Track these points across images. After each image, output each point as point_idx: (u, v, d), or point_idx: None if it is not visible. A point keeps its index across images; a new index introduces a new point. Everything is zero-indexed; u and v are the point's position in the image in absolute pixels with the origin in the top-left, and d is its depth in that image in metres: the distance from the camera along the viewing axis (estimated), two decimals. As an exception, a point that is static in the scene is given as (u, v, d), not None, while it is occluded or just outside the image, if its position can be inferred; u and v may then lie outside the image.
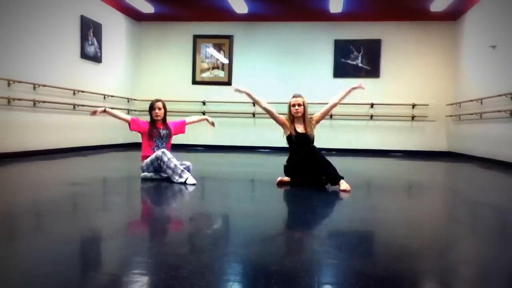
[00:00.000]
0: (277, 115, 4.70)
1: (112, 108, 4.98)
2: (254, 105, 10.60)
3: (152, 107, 4.82)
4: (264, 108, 4.73)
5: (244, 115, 10.66)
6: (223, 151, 9.53)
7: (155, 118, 4.79)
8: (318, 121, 4.71)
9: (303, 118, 4.61)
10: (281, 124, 4.68)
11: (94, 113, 4.78)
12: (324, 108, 4.76)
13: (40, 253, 2.09)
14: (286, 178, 4.55)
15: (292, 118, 4.62)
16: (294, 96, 4.68)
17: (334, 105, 4.76)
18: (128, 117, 4.89)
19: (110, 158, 7.71)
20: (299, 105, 4.59)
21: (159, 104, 4.81)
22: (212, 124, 5.16)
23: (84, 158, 7.24)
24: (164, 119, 4.87)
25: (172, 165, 4.41)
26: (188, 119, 5.17)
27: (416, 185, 5.25)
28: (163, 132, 4.78)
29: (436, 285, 1.83)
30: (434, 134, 10.36)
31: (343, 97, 4.76)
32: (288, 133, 4.60)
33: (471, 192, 4.73)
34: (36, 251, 2.12)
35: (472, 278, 1.95)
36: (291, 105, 4.64)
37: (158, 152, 4.50)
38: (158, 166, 4.53)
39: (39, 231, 2.56)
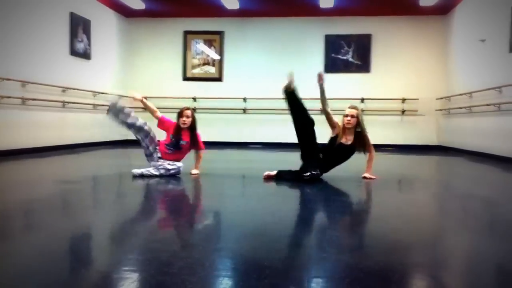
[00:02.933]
0: (332, 117, 4.72)
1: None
2: (244, 101, 10.60)
3: (180, 114, 4.80)
4: (326, 110, 4.73)
5: (235, 111, 10.65)
6: (214, 147, 9.51)
7: (182, 125, 4.75)
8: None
9: (355, 130, 4.62)
10: (332, 126, 4.73)
11: (133, 97, 4.83)
12: (331, 116, 4.77)
13: (31, 251, 2.07)
14: (273, 173, 4.57)
15: (344, 127, 4.62)
16: (349, 107, 4.70)
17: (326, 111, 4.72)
18: (159, 115, 4.90)
19: (101, 155, 7.67)
20: (352, 116, 4.58)
21: (188, 113, 4.79)
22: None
23: (74, 155, 7.19)
24: (191, 128, 4.81)
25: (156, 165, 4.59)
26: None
27: (407, 179, 5.29)
28: (182, 142, 4.75)
29: (426, 277, 1.85)
30: (424, 128, 10.42)
31: (325, 99, 4.72)
32: (334, 135, 4.66)
33: (461, 186, 4.77)
34: (27, 249, 2.11)
35: (463, 271, 1.97)
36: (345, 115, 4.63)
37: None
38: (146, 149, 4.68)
39: (30, 229, 2.54)
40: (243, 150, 9.20)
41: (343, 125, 4.62)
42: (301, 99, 4.55)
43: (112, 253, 2.13)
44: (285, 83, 4.48)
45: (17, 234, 2.42)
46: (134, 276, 1.75)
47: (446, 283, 1.76)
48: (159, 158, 4.70)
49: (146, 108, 4.93)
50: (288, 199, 3.78)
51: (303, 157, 4.58)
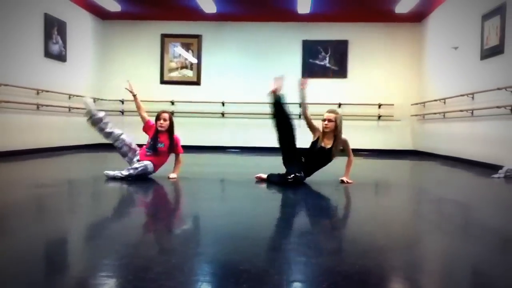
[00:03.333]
0: (312, 122, 4.78)
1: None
2: (222, 105, 10.58)
3: (158, 117, 4.80)
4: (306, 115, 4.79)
5: (213, 115, 10.62)
6: (192, 151, 9.46)
7: (159, 128, 4.75)
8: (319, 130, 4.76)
9: (334, 134, 4.68)
10: (313, 130, 4.79)
11: (129, 89, 4.99)
12: (311, 120, 4.82)
13: (5, 256, 2.02)
14: (264, 176, 4.65)
15: (323, 131, 4.70)
16: (327, 111, 4.79)
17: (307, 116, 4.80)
18: (146, 118, 4.91)
19: (76, 159, 7.54)
20: (329, 120, 4.66)
21: (165, 115, 4.79)
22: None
23: (49, 159, 7.05)
24: (169, 131, 4.80)
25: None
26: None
27: (382, 183, 5.36)
28: (159, 145, 4.74)
29: (402, 280, 1.87)
30: (399, 133, 10.60)
31: (306, 104, 4.77)
32: (315, 139, 4.74)
33: (434, 190, 4.86)
34: (1, 254, 2.06)
35: (437, 273, 2.01)
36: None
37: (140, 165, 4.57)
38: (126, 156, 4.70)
39: (4, 234, 2.47)
40: (222, 154, 9.18)
41: (323, 129, 4.65)
42: (287, 104, 4.60)
43: (87, 258, 2.09)
44: (272, 87, 4.53)
45: (-12, 240, 2.36)
46: (111, 282, 1.72)
47: (422, 285, 1.79)
48: (138, 161, 4.66)
49: (137, 107, 5.01)
50: (266, 203, 3.79)
51: (285, 161, 4.62)
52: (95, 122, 4.61)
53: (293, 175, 4.35)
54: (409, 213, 3.49)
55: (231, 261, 2.00)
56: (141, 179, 4.56)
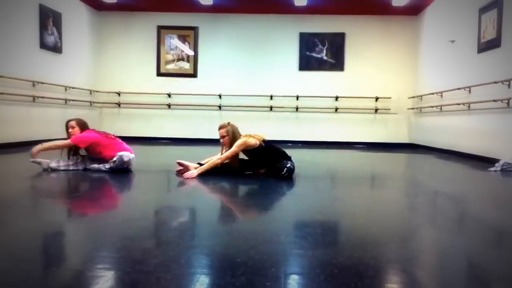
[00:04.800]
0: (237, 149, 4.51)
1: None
2: (219, 97, 10.57)
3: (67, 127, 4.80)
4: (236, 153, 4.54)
5: (210, 107, 10.60)
6: (188, 144, 9.46)
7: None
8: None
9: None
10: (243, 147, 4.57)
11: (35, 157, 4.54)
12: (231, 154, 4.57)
13: (0, 249, 2.02)
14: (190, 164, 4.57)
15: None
16: (218, 129, 4.66)
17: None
18: (68, 140, 4.66)
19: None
20: (222, 136, 4.58)
21: (72, 123, 4.77)
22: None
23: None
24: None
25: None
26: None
27: (378, 176, 5.38)
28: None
29: (398, 272, 1.89)
30: (396, 126, 10.62)
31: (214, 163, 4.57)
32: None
33: (430, 183, 4.88)
34: (-5, 247, 2.05)
35: (432, 265, 2.02)
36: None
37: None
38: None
39: (-2, 227, 2.47)
40: (217, 146, 9.15)
41: (222, 147, 4.65)
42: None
43: (84, 250, 2.09)
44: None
45: (-15, 232, 2.35)
46: (109, 274, 1.72)
47: (418, 277, 1.80)
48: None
49: (54, 148, 4.72)
50: (261, 196, 3.79)
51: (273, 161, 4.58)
52: (55, 169, 4.58)
53: (286, 168, 4.36)
54: (405, 206, 3.51)
55: (228, 253, 2.01)
56: (125, 170, 4.59)
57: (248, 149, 4.52)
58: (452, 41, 8.06)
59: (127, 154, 4.57)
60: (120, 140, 4.82)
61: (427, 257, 2.15)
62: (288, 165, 4.41)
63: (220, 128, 4.63)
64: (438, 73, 8.92)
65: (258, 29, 10.65)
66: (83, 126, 4.78)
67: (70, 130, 4.73)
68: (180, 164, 4.58)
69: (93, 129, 4.82)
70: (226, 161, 4.52)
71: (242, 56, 10.69)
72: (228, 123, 4.65)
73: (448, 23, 8.40)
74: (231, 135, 4.55)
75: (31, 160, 4.58)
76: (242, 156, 4.68)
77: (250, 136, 4.55)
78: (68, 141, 4.64)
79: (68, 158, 4.76)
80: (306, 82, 10.55)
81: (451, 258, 2.08)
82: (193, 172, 4.38)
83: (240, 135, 4.58)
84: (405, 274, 1.84)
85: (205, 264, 1.91)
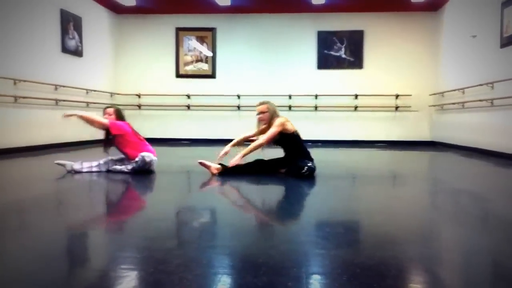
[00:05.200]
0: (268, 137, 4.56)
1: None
2: (238, 98, 10.59)
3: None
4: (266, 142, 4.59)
5: (229, 108, 10.64)
6: (207, 145, 9.51)
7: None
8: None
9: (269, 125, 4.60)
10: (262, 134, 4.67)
11: (67, 116, 4.63)
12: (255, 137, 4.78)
13: (27, 250, 2.06)
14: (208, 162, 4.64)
15: (262, 128, 4.71)
16: (257, 104, 4.76)
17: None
18: (106, 120, 4.71)
19: (93, 153, 7.62)
20: (261, 112, 4.64)
21: (109, 110, 4.86)
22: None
23: (66, 154, 7.15)
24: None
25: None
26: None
27: (400, 175, 5.32)
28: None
29: (421, 272, 1.86)
30: (417, 124, 10.48)
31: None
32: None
33: (453, 181, 4.80)
34: (22, 249, 2.10)
35: (456, 264, 2.00)
36: None
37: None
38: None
39: (24, 229, 2.53)
40: (237, 146, 9.18)
41: (258, 123, 4.73)
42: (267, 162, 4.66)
43: (108, 251, 2.13)
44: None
45: (10, 234, 2.41)
46: (132, 274, 1.75)
47: (442, 277, 1.78)
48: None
49: (90, 122, 4.74)
50: (281, 196, 3.79)
51: (294, 157, 4.59)
52: (79, 171, 4.65)
53: (307, 167, 4.35)
54: (427, 204, 3.46)
55: (249, 253, 2.01)
56: (147, 172, 4.64)
57: (283, 133, 4.52)
58: (474, 36, 7.92)
59: (149, 155, 4.62)
60: (146, 142, 4.88)
61: (451, 257, 2.12)
62: (309, 164, 4.41)
63: (260, 104, 4.68)
64: (459, 69, 8.77)
65: (275, 29, 10.64)
66: (119, 116, 4.85)
67: (105, 116, 4.78)
68: (202, 164, 4.62)
69: (128, 123, 4.87)
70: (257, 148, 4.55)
71: (260, 56, 10.69)
72: (268, 101, 4.72)
73: (469, 18, 8.26)
74: (271, 112, 4.58)
75: (55, 162, 4.67)
76: (259, 156, 4.69)
77: (287, 120, 4.57)
78: (106, 120, 4.69)
79: (104, 148, 4.81)
80: (324, 80, 10.49)
81: (475, 257, 2.05)
82: (236, 157, 4.50)
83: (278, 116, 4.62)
84: (428, 274, 1.81)
85: (226, 264, 1.92)
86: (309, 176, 4.35)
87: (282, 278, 1.69)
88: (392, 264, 1.88)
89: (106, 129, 4.71)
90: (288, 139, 4.56)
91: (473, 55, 8.03)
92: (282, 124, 4.50)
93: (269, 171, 4.64)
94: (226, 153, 4.63)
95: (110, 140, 4.77)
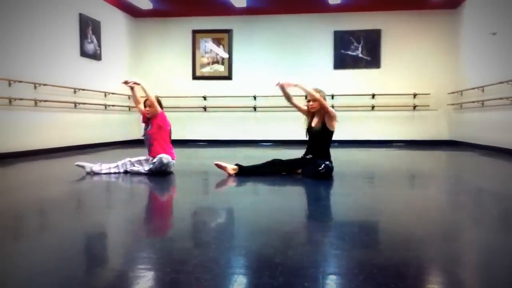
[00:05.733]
0: (301, 106, 4.79)
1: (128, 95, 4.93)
2: (254, 99, 10.60)
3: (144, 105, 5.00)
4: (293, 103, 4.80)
5: (245, 109, 10.65)
6: (224, 146, 9.54)
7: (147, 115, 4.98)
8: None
9: (322, 113, 4.60)
10: (303, 112, 4.81)
11: (126, 82, 5.01)
12: (298, 106, 4.85)
13: (46, 250, 2.10)
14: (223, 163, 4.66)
15: (310, 112, 4.73)
16: None
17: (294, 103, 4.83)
18: (157, 107, 4.87)
19: (111, 155, 7.72)
20: (313, 100, 4.60)
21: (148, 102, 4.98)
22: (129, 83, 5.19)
23: (86, 156, 7.25)
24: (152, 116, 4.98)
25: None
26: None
27: (419, 174, 5.25)
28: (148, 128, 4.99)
29: (441, 273, 1.84)
30: (436, 123, 10.34)
31: (288, 95, 4.82)
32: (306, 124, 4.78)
33: (473, 180, 4.73)
34: (42, 248, 2.13)
35: (477, 266, 1.96)
36: None
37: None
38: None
39: (44, 229, 2.57)
40: (253, 147, 9.21)
41: (308, 110, 4.69)
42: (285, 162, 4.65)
43: (126, 251, 2.15)
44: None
45: (31, 234, 2.45)
46: (149, 274, 1.76)
47: (462, 278, 1.75)
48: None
49: (134, 98, 5.07)
50: (298, 196, 3.78)
51: (316, 155, 4.59)
52: (98, 173, 4.70)
53: (324, 164, 4.32)
54: (447, 204, 3.41)
55: (266, 254, 2.01)
56: (165, 173, 4.67)
57: (325, 126, 4.53)
58: (494, 34, 7.78)
59: (167, 157, 4.66)
60: (172, 146, 4.95)
61: (471, 257, 2.08)
62: (326, 163, 4.38)
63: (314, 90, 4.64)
64: (479, 67, 8.62)
65: (291, 29, 10.62)
66: (160, 104, 4.97)
67: (147, 109, 4.88)
68: (218, 166, 4.63)
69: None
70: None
71: (276, 56, 10.69)
72: (321, 90, 4.72)
73: (489, 15, 8.12)
74: (323, 101, 4.56)
75: (76, 164, 4.74)
76: (275, 156, 4.68)
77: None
78: (157, 107, 4.82)
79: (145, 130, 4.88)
80: (341, 80, 10.43)
81: (497, 258, 2.00)
82: (291, 80, 4.66)
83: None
84: (449, 275, 1.78)
85: (243, 264, 1.92)
86: (326, 175, 4.31)
87: (299, 279, 1.68)
88: (412, 265, 1.85)
89: (150, 114, 4.82)
90: (324, 134, 4.58)
91: (493, 52, 7.89)
92: (335, 117, 4.55)
93: (285, 171, 4.63)
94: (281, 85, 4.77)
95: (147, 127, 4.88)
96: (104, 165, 4.78)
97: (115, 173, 4.76)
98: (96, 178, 4.50)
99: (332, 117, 4.51)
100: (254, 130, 10.69)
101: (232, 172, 4.55)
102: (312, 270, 1.78)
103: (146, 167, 4.68)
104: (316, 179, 4.27)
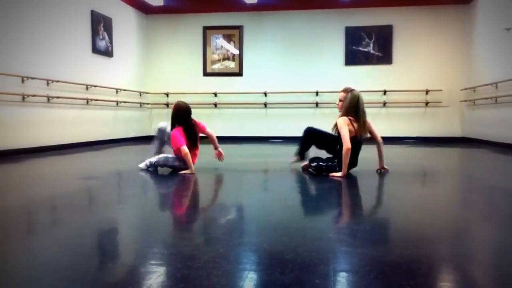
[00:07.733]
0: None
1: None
2: (265, 95, 10.59)
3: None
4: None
5: (255, 105, 10.65)
6: (234, 142, 9.54)
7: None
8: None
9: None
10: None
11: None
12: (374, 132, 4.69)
13: (58, 246, 2.12)
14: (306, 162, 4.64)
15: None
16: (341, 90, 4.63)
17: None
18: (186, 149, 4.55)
19: (123, 151, 7.77)
20: (340, 100, 4.54)
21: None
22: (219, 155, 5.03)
23: (98, 152, 7.30)
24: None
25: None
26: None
27: (431, 172, 5.21)
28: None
29: (452, 270, 1.82)
30: (448, 119, 10.24)
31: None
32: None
33: (486, 178, 4.67)
34: (54, 244, 2.16)
35: (488, 264, 1.94)
36: None
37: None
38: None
39: (56, 225, 2.60)
40: (263, 144, 9.20)
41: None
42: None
43: (137, 247, 2.16)
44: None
45: (43, 229, 2.48)
46: (161, 270, 1.77)
47: (474, 276, 1.73)
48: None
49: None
50: (309, 193, 3.77)
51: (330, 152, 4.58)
52: (156, 166, 4.68)
53: (316, 164, 4.37)
54: (458, 202, 3.38)
55: (276, 250, 2.01)
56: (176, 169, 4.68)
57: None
58: (508, 29, 7.67)
59: (169, 156, 4.69)
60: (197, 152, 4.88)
61: (484, 255, 2.06)
62: (320, 163, 4.35)
63: (343, 91, 4.56)
64: (492, 63, 8.52)
65: (302, 26, 10.58)
66: (177, 117, 4.93)
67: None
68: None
69: (182, 128, 4.79)
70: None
71: (287, 53, 10.66)
72: (353, 90, 4.49)
73: (503, 10, 8.00)
74: (347, 103, 4.40)
75: (139, 166, 4.75)
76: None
77: (347, 123, 4.34)
78: (186, 149, 4.54)
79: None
80: (352, 76, 10.37)
81: (510, 256, 1.98)
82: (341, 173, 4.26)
83: (356, 108, 4.41)
84: (461, 273, 1.77)
85: (253, 260, 1.92)
86: (315, 174, 4.33)
87: (310, 275, 1.68)
88: (423, 263, 1.84)
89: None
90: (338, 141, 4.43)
91: (507, 48, 7.78)
92: (344, 125, 4.30)
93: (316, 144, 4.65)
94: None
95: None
96: (154, 158, 4.72)
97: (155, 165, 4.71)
98: (108, 173, 4.52)
99: (339, 131, 4.36)
100: (265, 127, 10.68)
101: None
102: (322, 267, 1.78)
103: (153, 159, 4.65)
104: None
